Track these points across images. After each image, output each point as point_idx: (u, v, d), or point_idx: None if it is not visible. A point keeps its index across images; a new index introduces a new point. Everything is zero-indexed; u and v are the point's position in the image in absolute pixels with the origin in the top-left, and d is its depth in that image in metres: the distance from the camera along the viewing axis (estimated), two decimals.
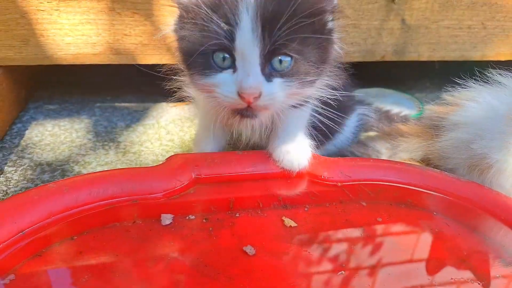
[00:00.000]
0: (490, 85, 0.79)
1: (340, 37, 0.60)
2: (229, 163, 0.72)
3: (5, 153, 0.85)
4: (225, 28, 0.49)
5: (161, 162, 0.70)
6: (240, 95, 0.51)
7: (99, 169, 0.83)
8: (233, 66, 0.52)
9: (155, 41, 0.93)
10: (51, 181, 0.78)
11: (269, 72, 0.52)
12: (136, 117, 1.05)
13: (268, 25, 0.49)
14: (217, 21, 0.49)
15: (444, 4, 1.06)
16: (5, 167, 0.81)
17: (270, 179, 0.71)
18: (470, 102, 0.78)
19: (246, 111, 0.54)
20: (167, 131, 1.00)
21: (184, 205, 0.65)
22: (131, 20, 0.90)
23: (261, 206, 0.67)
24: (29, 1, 0.84)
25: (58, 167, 0.82)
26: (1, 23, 0.85)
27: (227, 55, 0.51)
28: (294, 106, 0.67)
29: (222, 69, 0.52)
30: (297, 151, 0.69)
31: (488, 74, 0.81)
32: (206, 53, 0.52)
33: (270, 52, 0.50)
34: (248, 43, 0.49)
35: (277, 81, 0.53)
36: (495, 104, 0.74)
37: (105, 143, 0.92)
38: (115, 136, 0.95)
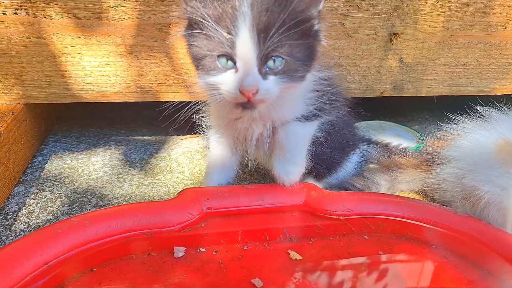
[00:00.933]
0: (479, 121, 0.84)
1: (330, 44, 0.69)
2: (237, 197, 0.77)
3: (27, 186, 0.91)
4: (227, 37, 0.59)
5: (173, 196, 0.75)
6: (241, 91, 0.60)
7: (114, 201, 0.88)
8: (234, 67, 0.61)
9: (169, 80, 1.00)
10: (70, 213, 0.83)
11: (264, 71, 0.61)
12: (149, 150, 1.10)
13: (263, 33, 0.58)
14: (221, 31, 0.59)
15: (440, 43, 1.12)
16: (27, 200, 0.86)
17: (276, 212, 0.76)
18: (460, 138, 0.83)
19: (246, 104, 0.63)
20: (178, 163, 1.05)
21: (195, 238, 0.69)
22: (147, 62, 0.97)
23: (268, 239, 0.71)
24: (55, 45, 0.91)
25: (76, 200, 0.87)
26: (29, 65, 0.92)
27: (229, 59, 0.61)
28: (299, 120, 0.75)
29: (226, 69, 0.62)
30: (293, 168, 0.76)
31: (478, 109, 0.86)
32: (212, 56, 0.62)
33: (265, 55, 0.60)
34: (246, 49, 0.59)
35: (272, 78, 0.62)
36: (482, 140, 0.79)
37: (120, 175, 0.97)
38: (129, 169, 1.00)
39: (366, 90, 1.14)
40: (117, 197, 0.89)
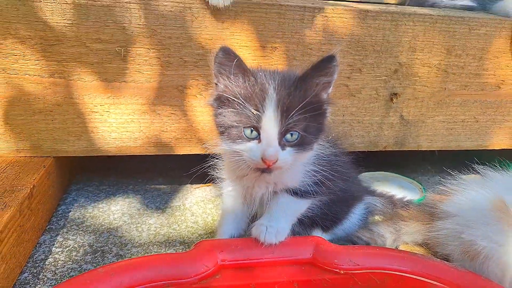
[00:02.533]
0: (476, 178, 0.91)
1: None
2: (250, 249, 0.82)
3: (53, 235, 0.97)
4: (255, 113, 0.70)
5: (189, 247, 0.81)
6: (263, 160, 0.70)
7: (133, 250, 0.93)
8: (258, 138, 0.71)
9: (187, 135, 1.09)
10: (93, 262, 0.89)
11: (283, 143, 0.71)
12: (164, 199, 1.17)
13: (284, 112, 0.70)
14: (250, 108, 0.70)
15: (438, 102, 1.21)
16: (53, 248, 0.92)
17: (286, 265, 0.80)
18: (458, 194, 0.89)
19: (265, 169, 0.73)
20: (192, 213, 1.11)
21: None
22: (168, 119, 1.06)
23: None
24: (86, 104, 1.01)
25: (98, 249, 0.93)
26: (61, 122, 1.01)
27: (254, 131, 0.71)
28: (295, 192, 0.82)
29: (250, 139, 0.72)
30: (271, 230, 0.80)
31: (475, 166, 0.93)
32: (239, 127, 0.72)
33: (285, 130, 0.71)
34: (270, 124, 0.70)
35: (288, 149, 0.72)
36: (479, 198, 0.85)
37: (138, 225, 1.03)
38: (146, 218, 1.06)
39: (370, 144, 1.21)
40: (136, 247, 0.95)
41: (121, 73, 0.99)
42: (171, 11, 0.96)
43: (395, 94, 1.17)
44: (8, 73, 0.96)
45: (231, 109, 0.72)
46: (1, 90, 0.96)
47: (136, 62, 0.99)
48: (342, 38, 1.07)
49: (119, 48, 0.97)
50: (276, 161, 0.70)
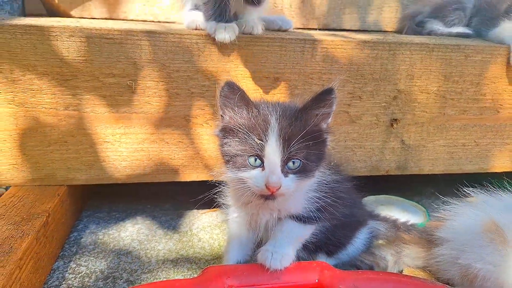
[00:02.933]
0: (468, 202, 0.93)
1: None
2: (256, 275, 0.84)
3: (66, 261, 1.00)
4: (258, 143, 0.75)
5: (197, 273, 0.83)
6: (267, 186, 0.74)
7: (143, 276, 0.96)
8: (262, 166, 0.75)
9: (194, 162, 1.13)
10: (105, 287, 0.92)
11: (286, 170, 0.75)
12: (172, 225, 1.20)
13: (286, 142, 0.74)
14: (253, 138, 0.75)
15: (438, 127, 1.24)
16: (67, 274, 0.95)
17: None
18: (452, 220, 0.91)
19: (269, 196, 0.77)
20: (199, 238, 1.14)
21: None
22: (176, 147, 1.10)
23: None
24: (98, 134, 1.06)
25: (109, 275, 0.96)
26: (74, 152, 1.06)
27: (258, 159, 0.75)
28: (298, 219, 0.85)
29: (254, 167, 0.76)
30: (276, 256, 0.83)
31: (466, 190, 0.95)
32: (243, 156, 0.76)
33: (287, 158, 0.75)
34: (273, 152, 0.74)
35: (291, 176, 0.76)
36: (471, 221, 0.87)
37: (147, 251, 1.06)
38: (155, 244, 1.10)
39: (372, 169, 1.24)
40: (145, 272, 0.98)
41: (132, 104, 1.05)
42: (179, 46, 1.02)
43: (395, 119, 1.20)
44: (26, 107, 1.02)
45: (236, 139, 0.77)
46: (19, 123, 1.02)
47: (146, 94, 1.04)
48: (342, 67, 1.12)
49: (130, 81, 1.02)
50: (279, 187, 0.74)
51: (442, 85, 1.20)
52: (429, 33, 1.38)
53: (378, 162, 1.24)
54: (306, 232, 0.89)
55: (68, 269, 0.97)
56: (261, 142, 0.74)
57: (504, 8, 1.28)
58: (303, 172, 0.77)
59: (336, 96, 0.78)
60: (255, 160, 0.75)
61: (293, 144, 0.74)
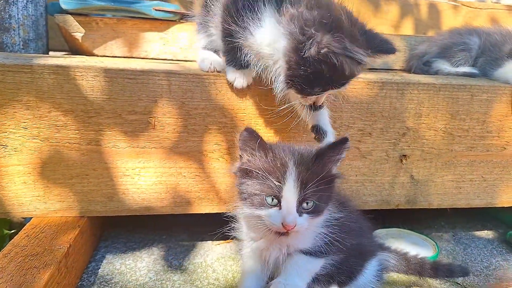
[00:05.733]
0: None
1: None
2: None
3: None
4: (277, 185, 0.81)
5: None
6: (283, 225, 0.80)
7: None
8: (278, 205, 0.82)
9: (210, 195, 1.17)
10: None
11: (300, 210, 0.82)
12: (187, 256, 1.23)
13: (303, 184, 0.81)
14: (272, 180, 0.81)
15: (446, 163, 1.27)
16: None
17: None
18: None
19: (284, 233, 0.83)
20: (213, 269, 1.16)
21: None
22: (193, 181, 1.15)
23: None
24: (119, 168, 1.11)
25: None
26: (95, 185, 1.11)
27: (275, 199, 0.82)
28: (306, 252, 0.90)
29: (271, 206, 0.82)
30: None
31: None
32: (261, 195, 0.82)
33: (302, 199, 0.81)
34: (290, 194, 0.81)
35: (305, 216, 0.83)
36: None
37: (163, 281, 1.09)
38: (170, 275, 1.12)
39: (382, 203, 1.27)
40: None
41: (152, 140, 1.10)
42: (197, 86, 1.08)
43: (404, 155, 1.24)
44: (50, 142, 1.07)
45: (255, 180, 0.83)
46: (43, 157, 1.07)
47: (166, 130, 1.10)
48: (352, 106, 1.17)
49: (151, 118, 1.08)
50: (295, 226, 0.80)
51: (449, 123, 1.24)
52: (436, 73, 1.44)
53: (388, 196, 1.26)
54: (316, 265, 0.93)
55: None
56: (280, 184, 0.81)
57: (508, 50, 1.34)
58: (315, 212, 0.84)
59: (349, 146, 0.86)
60: (272, 200, 0.82)
61: (308, 187, 0.81)
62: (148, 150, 1.10)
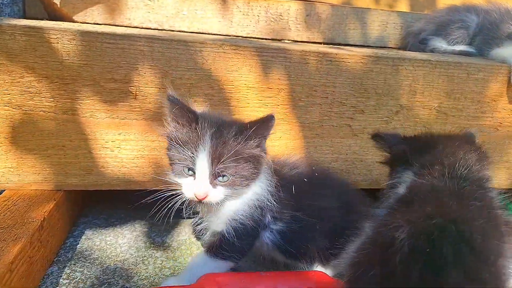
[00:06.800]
0: None
1: None
2: (253, 284, 0.84)
3: (60, 267, 0.98)
4: (191, 155, 0.82)
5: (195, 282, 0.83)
6: (195, 195, 0.82)
7: (140, 283, 0.95)
8: (194, 176, 0.83)
9: None
10: None
11: (215, 182, 0.83)
12: (171, 233, 1.19)
13: (216, 159, 0.81)
14: (187, 150, 0.82)
15: None
16: (60, 280, 0.94)
17: None
18: None
19: (199, 201, 0.85)
20: (198, 246, 1.13)
21: None
22: None
23: None
24: (97, 140, 1.05)
25: (105, 281, 0.94)
26: (73, 157, 1.05)
27: (191, 170, 0.83)
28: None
29: (188, 175, 0.84)
30: None
31: None
32: (179, 164, 0.84)
33: (216, 173, 0.82)
34: (203, 166, 0.82)
35: (220, 188, 0.84)
36: None
37: (144, 258, 1.05)
38: (153, 252, 1.08)
39: (372, 182, 1.24)
40: (142, 279, 0.96)
41: (133, 111, 1.04)
42: (182, 53, 1.01)
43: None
44: (23, 109, 1.00)
45: (176, 148, 0.84)
46: (16, 125, 1.00)
47: (148, 100, 1.03)
48: (345, 81, 1.12)
49: (132, 87, 1.01)
50: (206, 197, 0.82)
51: (444, 102, 1.20)
52: (432, 50, 1.39)
53: (378, 175, 1.23)
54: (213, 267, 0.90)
55: (63, 274, 0.96)
56: (193, 156, 0.82)
57: (507, 30, 1.29)
58: (232, 185, 0.84)
59: (274, 123, 0.84)
60: (188, 170, 0.83)
61: (223, 161, 0.81)
62: (129, 121, 1.04)
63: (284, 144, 1.15)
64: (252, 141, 0.84)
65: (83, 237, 1.13)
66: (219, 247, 0.89)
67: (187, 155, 0.82)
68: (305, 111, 1.13)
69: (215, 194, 0.83)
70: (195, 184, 0.82)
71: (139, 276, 0.98)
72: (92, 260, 1.02)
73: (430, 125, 1.22)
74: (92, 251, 1.06)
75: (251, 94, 1.07)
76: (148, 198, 0.90)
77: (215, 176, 0.82)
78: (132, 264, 1.02)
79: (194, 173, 0.82)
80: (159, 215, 0.87)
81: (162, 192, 0.87)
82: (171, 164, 0.87)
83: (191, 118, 0.83)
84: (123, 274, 0.98)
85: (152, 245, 1.11)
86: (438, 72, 1.17)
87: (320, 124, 1.15)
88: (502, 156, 1.31)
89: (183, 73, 1.02)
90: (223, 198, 0.84)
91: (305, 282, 0.86)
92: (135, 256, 1.06)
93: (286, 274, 0.91)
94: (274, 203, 0.88)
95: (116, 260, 1.03)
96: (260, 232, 0.91)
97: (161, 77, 1.02)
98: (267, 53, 1.06)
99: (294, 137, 1.15)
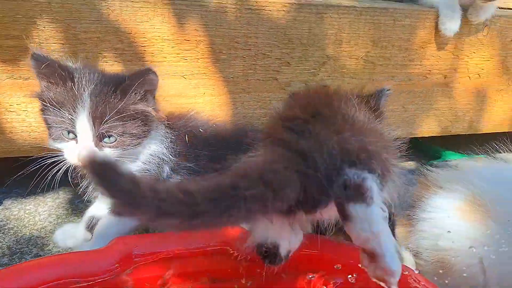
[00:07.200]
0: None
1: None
2: (165, 243, 0.82)
3: None
4: (70, 117, 0.75)
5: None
6: (80, 160, 0.75)
7: (55, 250, 0.92)
8: (76, 139, 0.77)
9: None
10: (9, 263, 0.86)
11: (101, 144, 0.77)
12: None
13: (98, 120, 0.75)
14: (65, 112, 0.75)
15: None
16: None
17: (203, 256, 0.81)
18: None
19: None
20: None
21: (122, 285, 0.73)
22: None
23: (191, 281, 0.76)
24: (1, 103, 0.97)
25: (17, 250, 0.90)
26: None
27: (71, 133, 0.76)
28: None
29: (69, 139, 0.77)
30: None
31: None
32: (57, 128, 0.77)
33: (100, 134, 0.76)
34: (83, 128, 0.75)
35: (107, 150, 0.78)
36: None
37: (65, 224, 1.01)
38: (74, 218, 1.04)
39: None
40: (57, 246, 0.93)
41: None
42: (84, 4, 0.93)
43: (325, 86, 1.18)
44: None
45: (52, 110, 0.76)
46: None
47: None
48: (268, 31, 1.08)
49: (32, 44, 0.93)
50: None
51: (371, 51, 1.19)
52: None
53: None
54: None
55: None
56: (72, 117, 0.74)
57: None
58: (122, 146, 0.78)
59: (155, 77, 0.78)
60: (68, 133, 0.77)
61: (106, 121, 0.75)
62: (33, 81, 0.96)
63: (208, 101, 1.10)
64: (136, 95, 0.78)
65: (0, 207, 1.07)
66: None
67: (65, 117, 0.74)
68: (228, 65, 1.08)
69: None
70: (78, 148, 0.76)
71: (55, 244, 0.94)
72: (6, 230, 0.97)
73: (357, 75, 1.20)
74: (8, 221, 1.01)
75: (167, 47, 1.01)
76: (28, 167, 0.83)
77: (100, 138, 0.76)
78: (50, 232, 0.98)
79: (76, 136, 0.76)
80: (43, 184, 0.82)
81: (43, 158, 0.80)
82: (48, 129, 0.79)
83: (65, 76, 0.75)
84: (38, 243, 0.94)
85: (74, 212, 1.07)
86: (364, 19, 1.15)
87: (245, 78, 1.11)
88: (432, 104, 1.32)
89: (87, 25, 0.95)
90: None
91: (217, 237, 0.85)
92: (54, 223, 1.02)
93: (203, 232, 0.89)
94: (170, 156, 0.85)
95: (33, 229, 0.98)
96: None
97: (63, 31, 0.94)
98: (181, 1, 0.99)
99: (219, 93, 1.11)
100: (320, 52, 1.14)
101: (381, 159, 0.56)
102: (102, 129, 0.75)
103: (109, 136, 0.77)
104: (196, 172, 0.87)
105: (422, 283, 0.69)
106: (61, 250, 0.92)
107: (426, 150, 1.55)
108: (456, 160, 1.43)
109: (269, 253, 0.67)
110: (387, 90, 0.85)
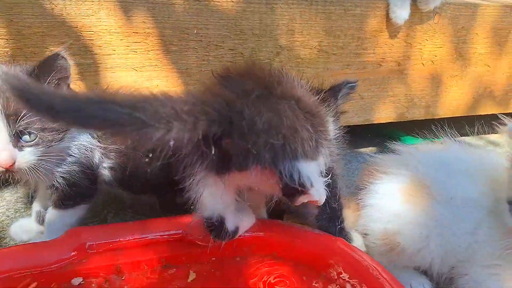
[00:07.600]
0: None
1: None
2: (118, 234, 0.84)
3: None
4: None
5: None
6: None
7: (11, 243, 0.93)
8: None
9: None
10: None
11: (20, 144, 0.72)
12: None
13: (12, 117, 0.70)
14: None
15: (322, 82, 1.25)
16: None
17: (156, 244, 0.83)
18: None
19: (9, 174, 0.73)
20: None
21: (75, 274, 0.75)
22: None
23: (144, 268, 0.78)
24: None
25: None
26: None
27: None
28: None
29: None
30: None
31: None
32: None
33: (17, 133, 0.71)
34: None
35: (29, 149, 0.73)
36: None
37: (20, 219, 1.02)
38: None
39: None
40: (14, 240, 0.94)
41: None
42: None
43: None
44: None
45: None
46: None
47: None
48: (218, 22, 1.09)
49: None
50: (13, 163, 0.71)
51: (324, 40, 1.21)
52: None
53: None
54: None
55: None
56: None
57: None
58: (43, 143, 0.74)
59: (65, 62, 0.74)
60: None
61: (21, 117, 0.69)
62: None
63: None
64: (49, 86, 0.73)
65: None
66: (59, 199, 0.85)
67: None
68: (180, 56, 1.09)
69: (25, 157, 0.72)
70: None
71: (12, 238, 0.95)
72: None
73: (313, 64, 1.23)
74: None
75: (115, 40, 1.02)
76: None
77: (17, 137, 0.71)
78: (7, 226, 0.99)
79: None
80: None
81: None
82: None
83: None
84: None
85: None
86: (315, 9, 1.16)
87: (199, 69, 1.13)
88: (388, 91, 1.35)
89: (31, 21, 0.94)
90: (37, 160, 0.74)
91: (174, 226, 0.87)
92: (12, 217, 1.03)
93: (156, 220, 0.91)
94: (98, 143, 0.84)
95: None
96: (96, 172, 0.87)
97: (6, 26, 0.93)
98: None
99: (173, 85, 1.12)
100: (273, 43, 1.16)
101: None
102: (18, 127, 0.70)
103: (28, 134, 0.72)
104: (126, 154, 0.87)
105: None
106: (17, 243, 0.93)
107: (387, 135, 1.58)
108: (414, 144, 1.47)
109: (215, 226, 0.70)
110: (349, 84, 0.89)
